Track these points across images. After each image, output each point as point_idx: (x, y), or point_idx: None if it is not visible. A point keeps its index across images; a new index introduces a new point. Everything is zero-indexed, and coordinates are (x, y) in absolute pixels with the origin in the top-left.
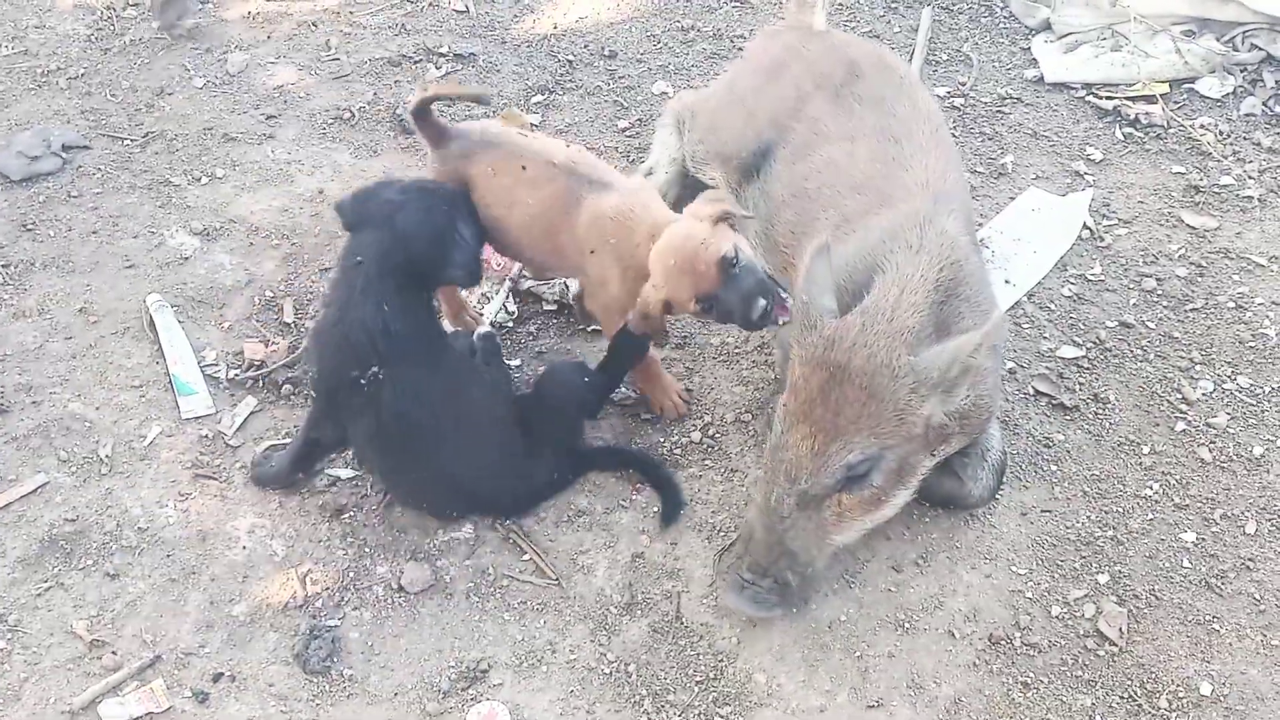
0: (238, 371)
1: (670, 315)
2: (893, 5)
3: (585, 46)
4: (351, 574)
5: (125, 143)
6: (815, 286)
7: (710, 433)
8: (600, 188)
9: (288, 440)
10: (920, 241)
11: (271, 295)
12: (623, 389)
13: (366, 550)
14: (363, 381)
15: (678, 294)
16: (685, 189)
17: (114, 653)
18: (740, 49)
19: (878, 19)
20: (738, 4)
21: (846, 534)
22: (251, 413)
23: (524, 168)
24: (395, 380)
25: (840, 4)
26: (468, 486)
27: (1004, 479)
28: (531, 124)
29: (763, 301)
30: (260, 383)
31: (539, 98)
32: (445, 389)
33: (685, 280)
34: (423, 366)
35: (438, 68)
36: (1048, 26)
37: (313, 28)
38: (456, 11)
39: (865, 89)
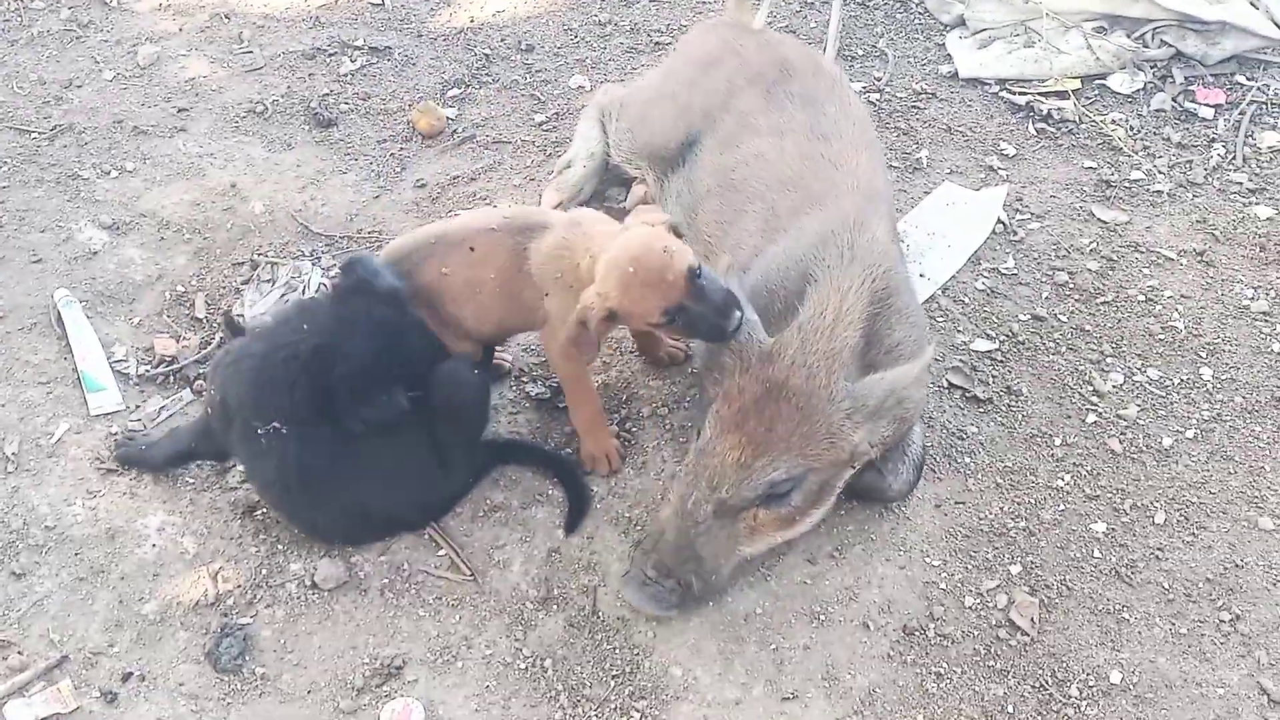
0: (148, 367)
1: (615, 327)
2: (809, 1)
3: (502, 40)
4: (264, 571)
5: (32, 136)
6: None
7: (627, 427)
8: (540, 231)
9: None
10: (853, 249)
11: (183, 290)
12: (538, 385)
13: (279, 547)
14: (261, 432)
15: (640, 306)
16: (604, 183)
17: (20, 653)
18: (658, 43)
19: (794, 14)
20: None
21: (756, 547)
22: (161, 408)
23: (471, 249)
24: (298, 441)
25: None
26: (385, 513)
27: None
28: (447, 117)
29: (738, 313)
30: (171, 379)
31: (455, 91)
32: (358, 441)
33: (650, 292)
34: (331, 430)
35: (353, 61)
36: (962, 22)
37: (225, 20)
38: (372, 4)
39: (797, 87)
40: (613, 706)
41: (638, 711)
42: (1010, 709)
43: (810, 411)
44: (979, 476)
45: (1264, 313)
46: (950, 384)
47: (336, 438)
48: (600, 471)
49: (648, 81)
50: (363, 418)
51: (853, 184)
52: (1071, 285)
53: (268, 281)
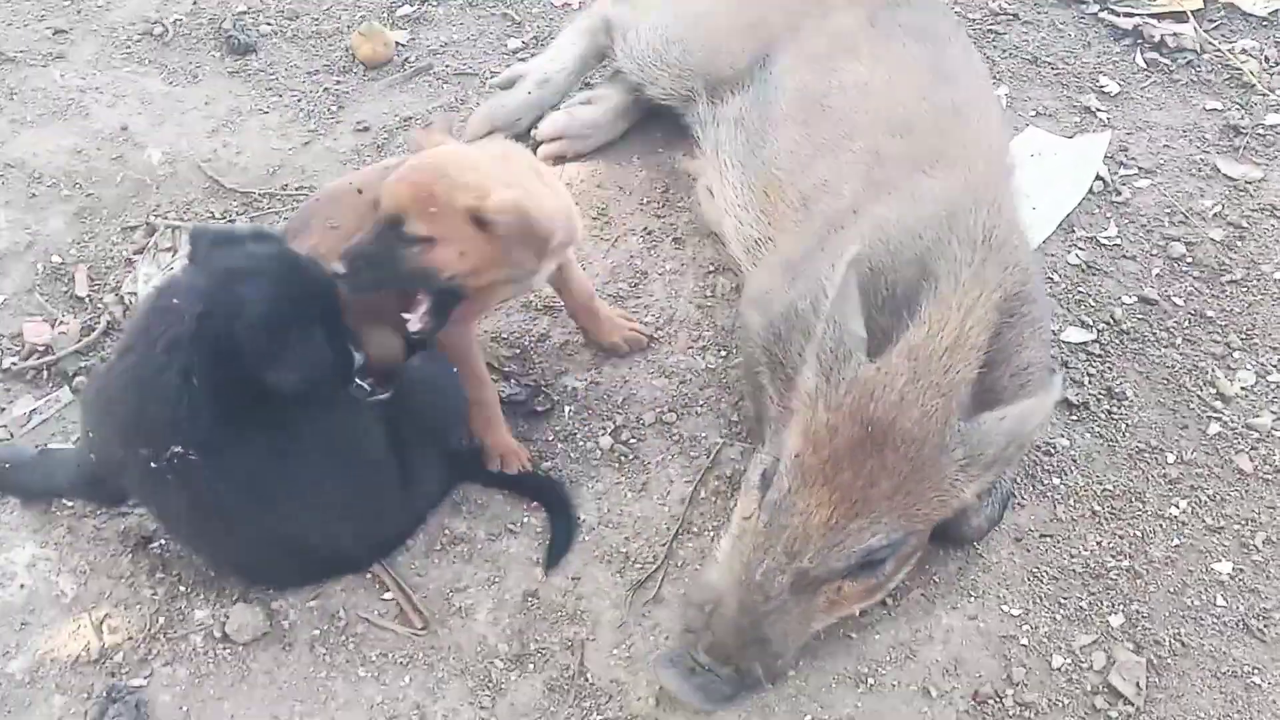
0: (15, 360)
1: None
2: None
3: None
4: (162, 619)
5: None
6: (847, 306)
7: (623, 437)
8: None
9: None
10: (988, 242)
11: (60, 261)
12: (510, 385)
13: (181, 589)
14: (155, 464)
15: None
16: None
17: None
18: None
19: None
20: None
21: (828, 621)
22: (32, 411)
23: (359, 190)
24: (213, 464)
25: None
26: (328, 548)
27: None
28: (396, 43)
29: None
30: (45, 374)
31: (407, 9)
32: (293, 456)
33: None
34: (256, 443)
35: None
36: None
37: None
38: None
39: (907, 17)
40: None
41: None
42: None
43: (920, 464)
44: (1071, 503)
45: None
46: None
47: (257, 452)
48: (509, 466)
49: None
50: (291, 373)
51: (985, 147)
52: (1190, 259)
53: (167, 250)
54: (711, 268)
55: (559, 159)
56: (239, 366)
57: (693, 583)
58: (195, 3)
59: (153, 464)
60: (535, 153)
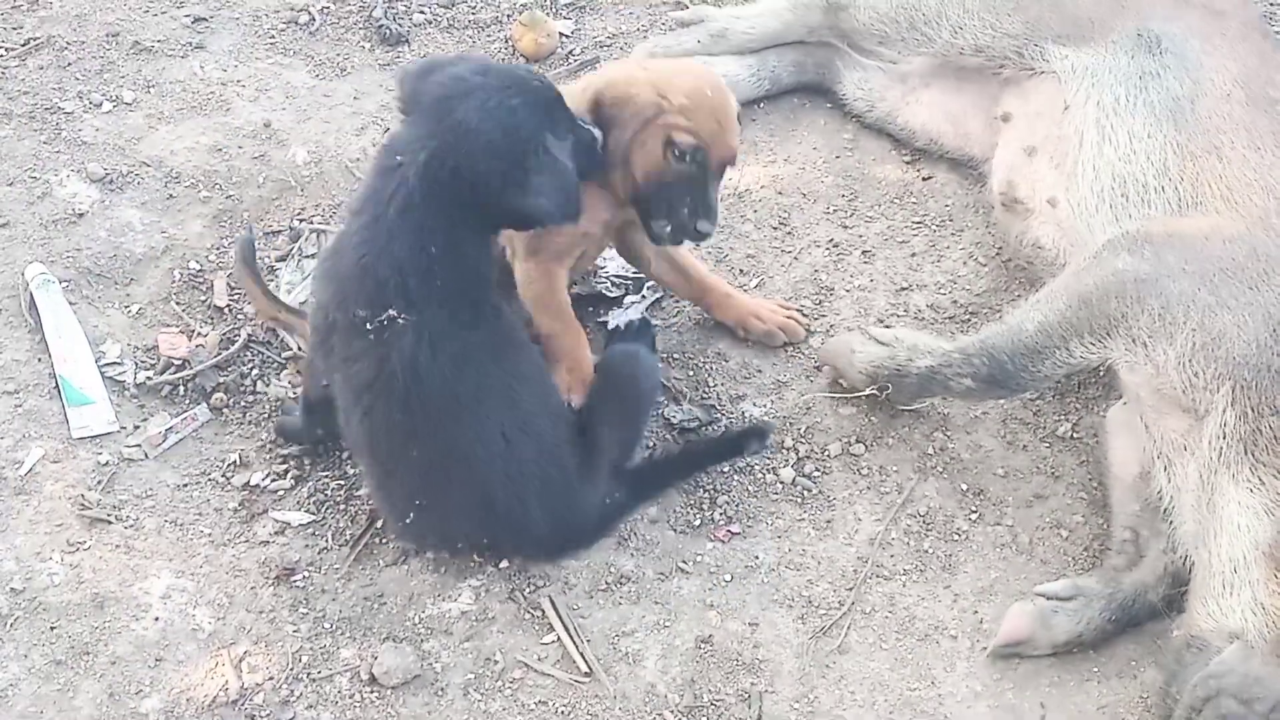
0: (150, 373)
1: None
2: None
3: None
4: (305, 658)
5: None
6: None
7: (806, 470)
8: None
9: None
10: None
11: (198, 268)
12: (681, 409)
13: (326, 626)
14: (370, 326)
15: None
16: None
17: None
18: None
19: None
20: None
21: None
22: (168, 429)
23: None
24: (420, 330)
25: None
26: (497, 498)
27: None
28: (560, 33)
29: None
30: (182, 389)
31: None
32: (489, 359)
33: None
34: (461, 324)
35: None
36: None
37: None
38: None
39: None
40: None
41: None
42: None
43: None
44: None
45: None
46: None
47: (465, 339)
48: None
49: None
50: (539, 196)
51: None
52: None
53: (311, 256)
54: (905, 284)
55: None
56: (480, 205)
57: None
58: None
59: (368, 326)
60: None
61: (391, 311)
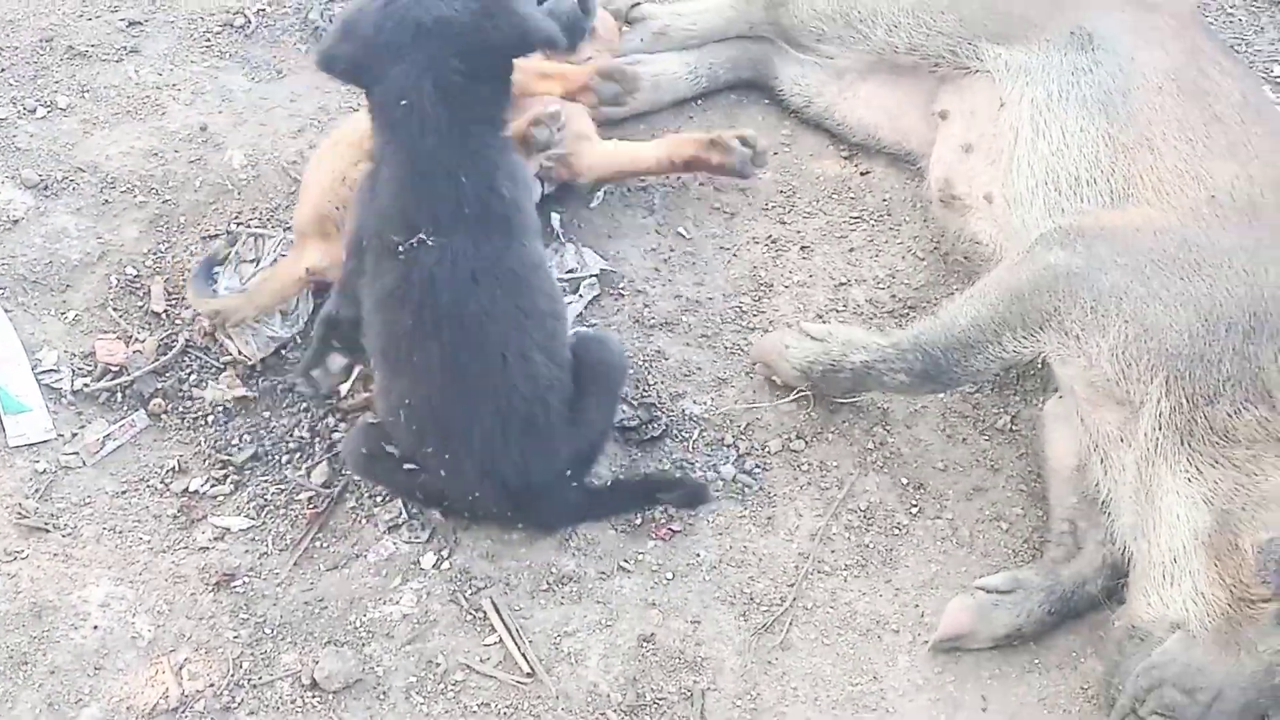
0: (88, 381)
1: None
2: None
3: None
4: (246, 664)
5: None
6: None
7: (747, 467)
8: None
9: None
10: None
11: (134, 274)
12: (624, 408)
13: (267, 631)
14: (400, 249)
15: None
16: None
17: None
18: None
19: None
20: None
21: None
22: (106, 436)
23: None
24: (444, 250)
25: None
26: (479, 416)
27: None
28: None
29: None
30: (120, 396)
31: None
32: (503, 286)
33: None
34: (484, 249)
35: None
36: None
37: None
38: None
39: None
40: None
41: None
42: None
43: None
44: None
45: None
46: None
47: (489, 266)
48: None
49: None
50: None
51: None
52: None
53: (250, 262)
54: (843, 280)
55: None
56: (493, 53)
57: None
58: None
59: (399, 249)
60: None
61: (421, 235)
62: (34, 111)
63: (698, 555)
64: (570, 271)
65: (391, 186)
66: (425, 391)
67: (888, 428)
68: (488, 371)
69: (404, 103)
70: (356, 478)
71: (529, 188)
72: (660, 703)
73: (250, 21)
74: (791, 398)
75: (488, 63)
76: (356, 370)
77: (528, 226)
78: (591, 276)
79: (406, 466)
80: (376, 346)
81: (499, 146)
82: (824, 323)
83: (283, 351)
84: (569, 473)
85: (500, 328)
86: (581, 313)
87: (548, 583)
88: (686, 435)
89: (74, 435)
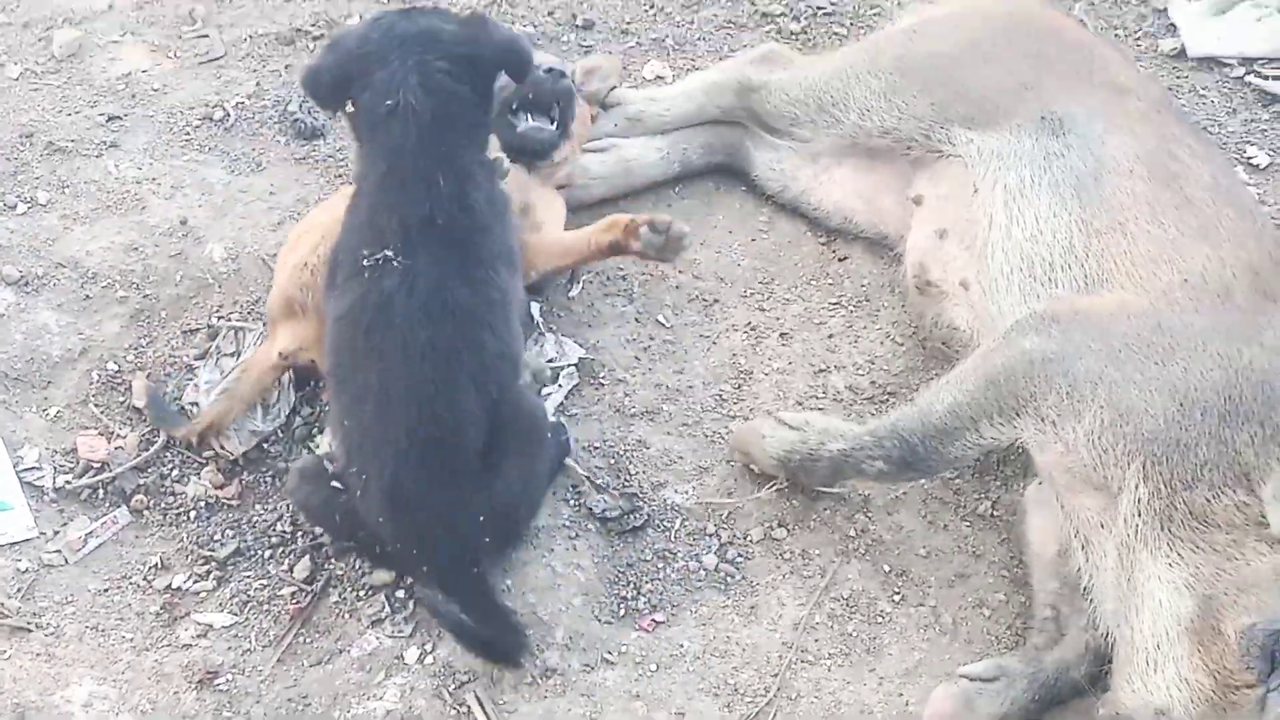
0: (69, 477)
1: None
2: None
3: (550, 14)
4: None
5: None
6: None
7: (729, 556)
8: None
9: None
10: None
11: (116, 369)
12: (605, 498)
13: None
14: (365, 264)
15: None
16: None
17: None
18: (767, 15)
19: None
20: None
21: None
22: (88, 534)
23: None
24: (407, 273)
25: None
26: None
27: None
28: None
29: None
30: (102, 492)
31: None
32: (460, 321)
33: None
34: (450, 277)
35: None
36: None
37: None
38: None
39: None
40: None
41: None
42: None
43: None
44: None
45: None
46: None
47: (445, 285)
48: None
49: (940, 37)
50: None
51: None
52: None
53: (230, 355)
54: (823, 366)
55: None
56: (479, 62)
57: None
58: (258, 84)
59: (364, 264)
60: None
61: (388, 252)
62: (14, 207)
63: (681, 646)
64: (550, 361)
65: (369, 198)
66: (359, 413)
67: (869, 515)
68: (415, 398)
69: (389, 103)
70: (334, 562)
71: (504, 215)
72: None
73: (229, 115)
74: (770, 488)
75: (472, 70)
76: None
77: (498, 254)
78: (571, 366)
79: (333, 484)
80: (328, 364)
81: (479, 162)
82: (803, 411)
83: (264, 445)
84: (480, 543)
85: (441, 357)
86: (562, 402)
87: (532, 676)
88: (669, 525)
89: (56, 533)
